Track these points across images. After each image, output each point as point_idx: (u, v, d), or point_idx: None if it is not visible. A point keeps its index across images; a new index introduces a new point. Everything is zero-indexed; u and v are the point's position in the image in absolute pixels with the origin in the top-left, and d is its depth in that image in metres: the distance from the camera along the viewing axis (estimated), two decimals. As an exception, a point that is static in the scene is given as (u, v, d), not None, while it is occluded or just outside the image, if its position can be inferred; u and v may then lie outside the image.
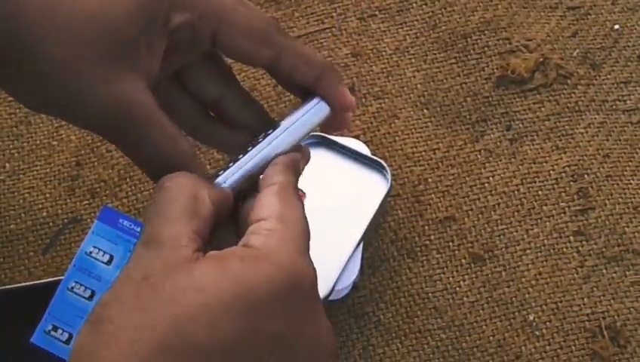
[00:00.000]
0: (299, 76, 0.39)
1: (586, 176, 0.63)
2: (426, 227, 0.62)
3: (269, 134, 0.38)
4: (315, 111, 0.39)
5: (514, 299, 0.59)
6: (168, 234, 0.32)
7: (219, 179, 0.36)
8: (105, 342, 0.30)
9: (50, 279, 0.59)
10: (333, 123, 0.41)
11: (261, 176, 0.37)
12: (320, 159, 0.60)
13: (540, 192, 0.63)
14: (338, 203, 0.58)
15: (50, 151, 0.65)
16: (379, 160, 0.59)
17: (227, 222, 0.37)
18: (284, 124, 0.39)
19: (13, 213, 0.63)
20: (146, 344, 0.29)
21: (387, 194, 0.58)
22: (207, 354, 0.30)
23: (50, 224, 0.63)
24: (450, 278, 0.60)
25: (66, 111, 0.36)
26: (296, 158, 0.38)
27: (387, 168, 0.58)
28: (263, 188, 0.36)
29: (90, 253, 0.58)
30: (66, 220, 0.63)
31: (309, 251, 0.34)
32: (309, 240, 0.35)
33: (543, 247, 0.61)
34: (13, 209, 0.63)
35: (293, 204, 0.35)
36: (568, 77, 0.67)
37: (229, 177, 0.37)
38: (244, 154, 0.37)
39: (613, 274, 0.59)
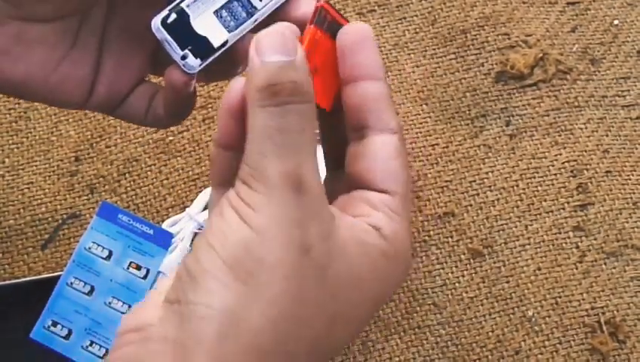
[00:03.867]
0: None
1: (585, 171, 0.63)
2: (425, 222, 0.62)
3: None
4: None
5: (513, 294, 0.59)
6: (312, 176, 0.27)
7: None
8: (253, 308, 0.25)
9: (50, 274, 0.59)
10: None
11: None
12: (321, 155, 0.60)
13: (539, 188, 0.62)
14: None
15: (50, 147, 0.65)
16: None
17: None
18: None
19: (13, 209, 0.63)
20: (299, 340, 0.26)
21: None
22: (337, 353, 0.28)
23: (50, 219, 0.63)
24: (450, 274, 0.60)
25: None
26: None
27: None
28: (376, 128, 0.30)
29: (90, 248, 0.58)
30: (65, 215, 0.63)
31: None
32: None
33: (542, 243, 0.61)
34: (12, 204, 0.63)
35: (408, 171, 0.31)
36: (567, 72, 0.67)
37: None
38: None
39: (613, 270, 0.59)
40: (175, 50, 0.36)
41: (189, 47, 0.36)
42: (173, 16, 0.35)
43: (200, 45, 0.36)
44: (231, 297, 0.25)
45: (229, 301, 0.25)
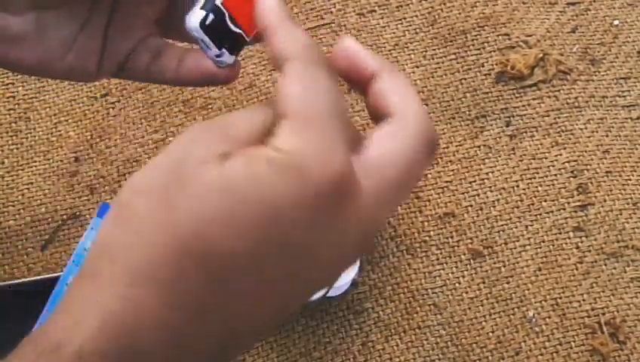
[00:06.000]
0: None
1: (585, 171, 0.63)
2: (426, 223, 0.62)
3: None
4: None
5: (513, 294, 0.59)
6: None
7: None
8: (127, 242, 0.27)
9: (49, 275, 0.59)
10: None
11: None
12: None
13: (539, 188, 0.62)
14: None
15: (49, 147, 0.65)
16: None
17: None
18: None
19: (12, 209, 0.63)
20: (164, 247, 0.27)
21: None
22: (231, 263, 0.27)
23: (49, 220, 0.63)
24: (450, 274, 0.60)
25: None
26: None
27: None
28: (282, 61, 0.31)
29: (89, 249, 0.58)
30: (64, 216, 0.63)
31: (343, 141, 0.29)
32: (343, 127, 0.30)
33: (542, 243, 0.61)
34: (12, 205, 0.63)
35: (319, 90, 0.30)
36: (568, 73, 0.67)
37: None
38: None
39: (613, 270, 0.59)
40: (212, 50, 0.36)
41: (226, 46, 0.36)
42: (212, 17, 0.34)
43: (235, 41, 0.36)
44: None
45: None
